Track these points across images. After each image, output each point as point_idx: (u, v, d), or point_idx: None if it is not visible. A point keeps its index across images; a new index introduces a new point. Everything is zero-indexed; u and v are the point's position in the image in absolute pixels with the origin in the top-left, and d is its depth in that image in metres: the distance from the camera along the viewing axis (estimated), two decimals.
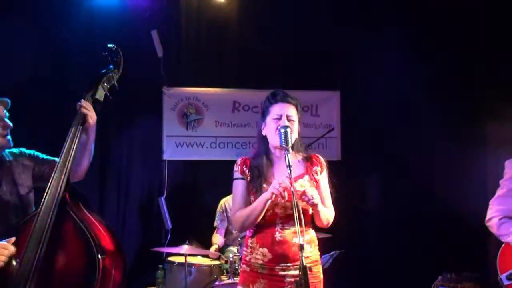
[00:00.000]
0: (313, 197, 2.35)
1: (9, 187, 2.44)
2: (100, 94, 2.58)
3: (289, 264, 2.44)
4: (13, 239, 2.17)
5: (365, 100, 5.33)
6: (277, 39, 5.37)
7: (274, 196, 2.32)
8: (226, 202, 4.79)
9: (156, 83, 5.29)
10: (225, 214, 4.77)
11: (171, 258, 4.13)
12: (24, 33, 4.55)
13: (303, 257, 2.05)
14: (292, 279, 2.41)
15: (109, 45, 2.68)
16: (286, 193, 2.29)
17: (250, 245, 2.52)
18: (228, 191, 5.00)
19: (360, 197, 5.35)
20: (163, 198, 5.20)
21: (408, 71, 5.08)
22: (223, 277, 3.97)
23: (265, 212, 2.43)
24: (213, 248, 4.50)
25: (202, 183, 5.40)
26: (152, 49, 5.21)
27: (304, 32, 5.33)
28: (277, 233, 2.45)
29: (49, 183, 2.28)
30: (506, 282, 2.85)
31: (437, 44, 5.17)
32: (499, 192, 2.99)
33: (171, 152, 5.32)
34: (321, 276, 2.55)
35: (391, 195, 5.18)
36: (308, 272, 2.36)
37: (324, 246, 2.76)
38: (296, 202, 2.21)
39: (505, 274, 2.86)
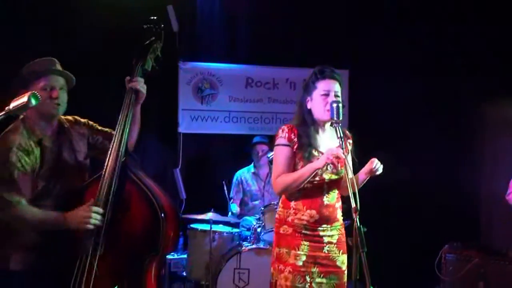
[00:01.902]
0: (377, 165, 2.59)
1: (68, 152, 2.56)
2: (148, 65, 2.71)
3: (328, 226, 2.67)
4: (92, 201, 2.33)
5: (374, 78, 5.51)
6: (289, 17, 5.50)
7: (326, 164, 2.49)
8: (242, 174, 5.01)
9: (172, 57, 5.41)
10: (240, 186, 4.98)
11: (193, 225, 4.34)
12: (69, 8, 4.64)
13: (357, 219, 2.19)
14: (328, 239, 2.66)
15: (151, 17, 2.82)
16: (337, 163, 2.47)
17: (294, 207, 2.68)
18: (241, 164, 5.28)
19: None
20: (178, 170, 5.37)
21: (418, 48, 5.25)
22: (245, 243, 4.19)
23: (314, 178, 2.61)
24: (232, 215, 4.74)
25: (216, 156, 5.58)
26: (168, 24, 5.31)
27: (315, 10, 5.44)
28: (324, 197, 2.67)
29: (109, 151, 2.44)
30: None
31: (450, 20, 5.30)
32: None
33: (186, 125, 5.48)
34: None
35: (397, 168, 5.36)
36: (342, 231, 2.73)
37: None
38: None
39: None
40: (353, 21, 5.47)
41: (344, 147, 2.40)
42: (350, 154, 2.77)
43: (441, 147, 5.21)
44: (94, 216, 2.29)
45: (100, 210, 2.32)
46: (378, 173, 2.62)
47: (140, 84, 2.57)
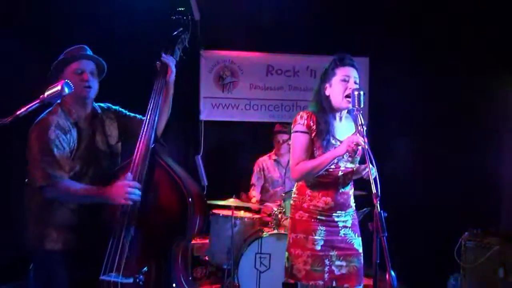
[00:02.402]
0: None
1: (101, 137, 2.68)
2: (176, 55, 2.81)
3: (343, 212, 2.74)
4: (130, 174, 2.42)
5: (394, 65, 5.51)
6: (310, 4, 5.51)
7: (347, 152, 2.52)
8: (263, 161, 5.08)
9: (193, 46, 5.46)
10: (262, 172, 5.05)
11: (216, 211, 4.44)
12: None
13: (378, 205, 2.20)
14: (342, 224, 2.73)
15: (179, 9, 2.89)
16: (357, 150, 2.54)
17: (310, 194, 2.73)
18: (262, 150, 5.35)
19: (387, 158, 5.59)
20: (199, 157, 5.46)
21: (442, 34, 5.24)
22: (266, 229, 4.27)
23: (330, 165, 2.65)
24: (253, 201, 4.82)
25: (236, 143, 5.67)
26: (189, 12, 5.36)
27: None
28: (339, 185, 2.72)
29: (140, 136, 2.54)
30: None
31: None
32: None
33: (207, 113, 5.57)
34: None
35: (417, 155, 5.39)
36: (355, 216, 2.81)
37: (356, 203, 2.95)
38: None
39: None
40: (373, 7, 5.45)
41: (364, 134, 2.43)
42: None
43: (461, 134, 5.19)
44: (134, 191, 2.38)
45: (138, 185, 2.41)
46: (365, 177, 2.57)
47: (170, 62, 2.66)
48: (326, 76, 2.73)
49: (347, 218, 2.75)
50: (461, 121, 5.24)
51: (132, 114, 2.84)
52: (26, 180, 2.55)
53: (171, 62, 2.68)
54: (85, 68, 2.60)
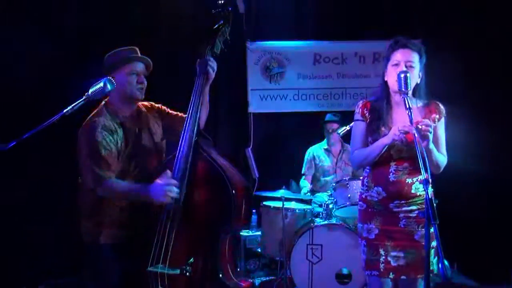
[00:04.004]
0: (427, 126, 2.40)
1: (147, 134, 2.75)
2: (217, 48, 2.81)
3: (402, 202, 2.62)
4: (169, 172, 2.46)
5: (448, 48, 5.27)
6: None
7: (395, 141, 2.46)
8: (314, 150, 5.02)
9: (239, 38, 5.47)
10: (312, 162, 5.00)
11: (266, 203, 4.42)
12: None
13: (428, 191, 2.11)
14: (404, 214, 2.61)
15: (220, 1, 2.88)
16: (406, 138, 2.43)
17: (366, 184, 2.72)
18: (312, 141, 5.28)
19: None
20: (250, 149, 5.46)
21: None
22: (317, 219, 4.21)
23: (381, 154, 2.59)
24: (305, 191, 4.77)
25: (286, 134, 5.60)
26: (234, 6, 5.36)
27: None
28: (391, 174, 2.62)
29: (183, 132, 2.57)
30: None
31: None
32: None
33: (256, 105, 5.54)
34: None
35: (475, 141, 5.13)
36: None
37: None
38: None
39: None
40: None
41: (412, 119, 2.33)
42: (441, 129, 2.68)
43: None
44: (171, 188, 2.42)
45: (176, 182, 2.45)
46: (428, 132, 2.42)
47: (210, 63, 2.68)
48: (384, 62, 2.71)
49: (411, 208, 2.62)
50: None
51: (174, 112, 2.89)
52: (79, 179, 2.66)
53: (210, 63, 2.68)
54: (139, 69, 2.68)
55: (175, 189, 2.43)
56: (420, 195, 2.62)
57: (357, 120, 2.73)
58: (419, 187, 2.61)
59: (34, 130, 2.18)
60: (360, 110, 2.72)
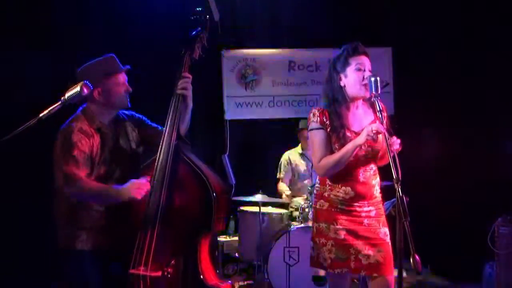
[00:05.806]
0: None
1: (124, 141, 2.77)
2: (195, 54, 2.86)
3: (365, 202, 2.69)
4: (148, 178, 2.52)
5: (417, 55, 5.44)
6: None
7: (367, 140, 2.51)
8: (290, 154, 5.10)
9: (214, 46, 5.53)
10: (289, 166, 5.07)
11: (243, 208, 4.47)
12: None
13: (399, 190, 2.18)
14: (365, 214, 2.68)
15: (197, 9, 2.94)
16: (379, 137, 2.51)
17: (330, 183, 2.71)
18: (288, 147, 5.36)
19: (413, 150, 5.51)
20: (226, 156, 5.51)
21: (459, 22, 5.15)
22: (294, 223, 4.28)
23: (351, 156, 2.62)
24: (284, 196, 4.84)
25: (262, 140, 5.68)
26: (210, 13, 5.42)
27: None
28: (360, 174, 2.68)
29: (162, 137, 2.62)
30: None
31: None
32: None
33: (232, 112, 5.59)
34: None
35: (446, 141, 5.29)
36: (380, 207, 2.74)
37: (387, 193, 2.90)
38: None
39: None
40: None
41: (383, 121, 2.42)
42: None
43: (492, 119, 5.08)
44: (142, 185, 2.50)
45: (146, 181, 2.53)
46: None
47: (183, 85, 2.72)
48: (339, 66, 2.69)
49: (370, 208, 2.70)
50: (489, 108, 5.12)
51: (154, 125, 2.89)
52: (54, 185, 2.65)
53: (187, 88, 2.74)
54: (125, 79, 2.74)
55: (146, 186, 2.49)
56: (377, 197, 2.73)
57: (316, 128, 2.68)
58: (377, 188, 2.74)
59: (10, 135, 2.14)
60: (319, 118, 2.66)
